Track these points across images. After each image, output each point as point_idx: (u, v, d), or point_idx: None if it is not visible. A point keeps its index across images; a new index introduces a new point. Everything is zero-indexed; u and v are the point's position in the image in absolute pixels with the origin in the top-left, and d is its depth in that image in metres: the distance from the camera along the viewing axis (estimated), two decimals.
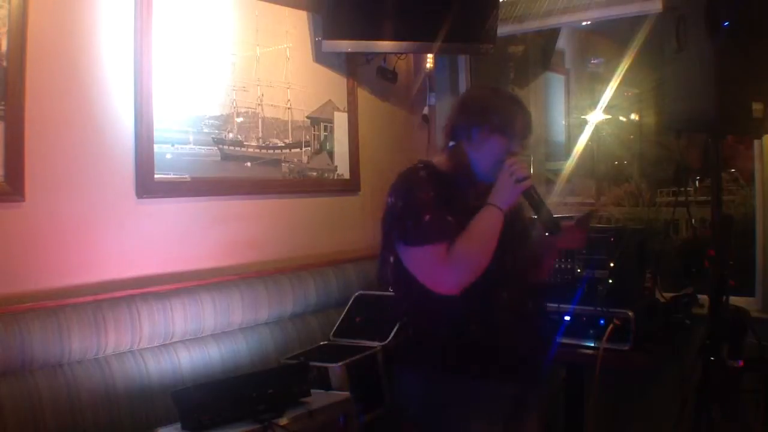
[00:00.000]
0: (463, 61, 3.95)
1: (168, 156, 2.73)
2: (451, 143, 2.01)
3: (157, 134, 2.68)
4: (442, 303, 1.87)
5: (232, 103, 2.99)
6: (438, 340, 1.92)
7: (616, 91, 3.60)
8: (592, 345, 2.55)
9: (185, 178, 2.79)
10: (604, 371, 2.45)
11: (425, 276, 1.87)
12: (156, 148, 2.68)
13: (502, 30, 3.57)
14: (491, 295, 1.90)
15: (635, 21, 3.24)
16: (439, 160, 2.02)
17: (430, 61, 3.74)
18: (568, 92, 4.37)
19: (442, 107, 3.76)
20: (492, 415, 1.92)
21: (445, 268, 1.84)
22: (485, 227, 1.86)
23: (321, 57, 3.36)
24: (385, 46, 3.35)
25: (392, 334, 2.81)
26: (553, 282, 2.70)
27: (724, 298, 2.29)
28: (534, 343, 1.98)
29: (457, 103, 2.07)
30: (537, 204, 1.92)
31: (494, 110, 1.94)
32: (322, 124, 3.40)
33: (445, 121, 2.07)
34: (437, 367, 1.92)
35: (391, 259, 1.96)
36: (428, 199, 1.87)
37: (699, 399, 2.28)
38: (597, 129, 3.94)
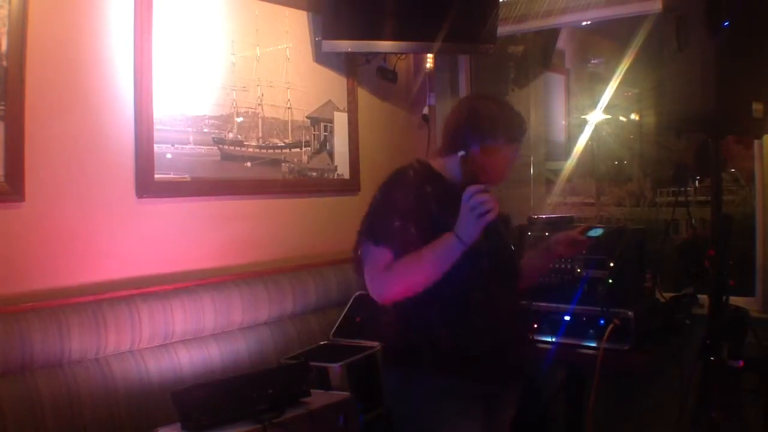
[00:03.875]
0: (463, 61, 3.95)
1: (168, 156, 2.73)
2: (461, 153, 2.00)
3: (157, 134, 2.68)
4: (416, 305, 1.90)
5: (232, 103, 2.99)
6: (413, 342, 1.95)
7: (616, 90, 3.60)
8: (592, 345, 2.55)
9: (185, 178, 2.79)
10: (604, 371, 2.44)
11: (365, 274, 1.93)
12: (156, 148, 2.68)
13: (502, 30, 3.57)
14: (466, 298, 1.92)
15: (635, 21, 3.24)
16: (438, 164, 2.05)
17: (430, 61, 3.73)
18: (568, 92, 4.36)
19: (442, 107, 3.76)
20: (466, 413, 1.94)
21: (381, 276, 1.88)
22: (438, 255, 1.85)
23: (321, 57, 3.36)
24: (385, 46, 3.35)
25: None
26: (551, 282, 2.70)
27: (724, 298, 2.28)
28: (511, 341, 1.99)
29: (466, 115, 2.06)
30: (489, 234, 1.88)
31: (503, 122, 2.03)
32: (322, 124, 3.39)
33: (446, 126, 2.09)
34: (413, 367, 1.95)
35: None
36: (403, 203, 1.90)
37: (699, 399, 2.27)
38: (597, 129, 3.93)
